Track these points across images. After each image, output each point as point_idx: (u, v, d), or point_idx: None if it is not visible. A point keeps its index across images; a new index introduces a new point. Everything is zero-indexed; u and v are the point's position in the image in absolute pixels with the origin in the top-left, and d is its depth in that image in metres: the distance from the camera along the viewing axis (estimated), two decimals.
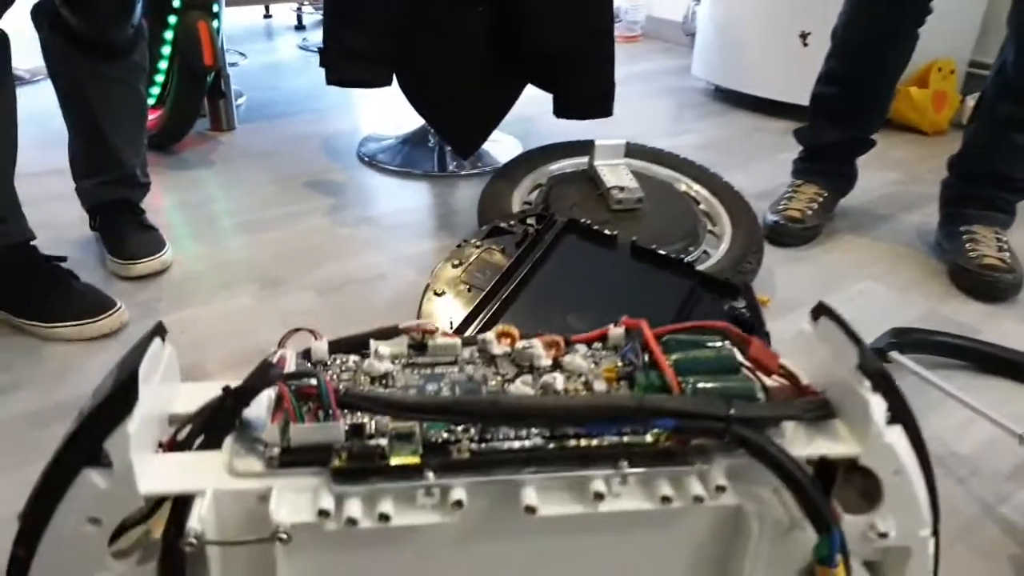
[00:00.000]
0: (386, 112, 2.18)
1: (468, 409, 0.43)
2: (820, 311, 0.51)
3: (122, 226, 1.31)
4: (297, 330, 0.50)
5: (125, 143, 1.29)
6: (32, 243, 1.15)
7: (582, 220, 1.16)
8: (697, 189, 1.45)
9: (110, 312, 1.12)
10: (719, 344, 0.51)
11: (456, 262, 1.14)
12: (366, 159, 1.83)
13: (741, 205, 1.39)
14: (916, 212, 1.60)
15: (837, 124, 1.48)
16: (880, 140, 1.54)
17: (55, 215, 1.43)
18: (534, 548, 0.47)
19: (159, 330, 0.46)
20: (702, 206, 1.41)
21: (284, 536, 0.41)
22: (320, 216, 1.53)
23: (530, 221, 1.21)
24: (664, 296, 1.08)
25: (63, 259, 1.19)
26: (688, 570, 0.50)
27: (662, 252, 1.12)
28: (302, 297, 1.23)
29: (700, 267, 1.16)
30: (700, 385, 0.47)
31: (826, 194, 1.50)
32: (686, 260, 1.16)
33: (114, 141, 1.27)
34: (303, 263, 1.34)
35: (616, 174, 1.38)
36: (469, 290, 1.10)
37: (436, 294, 1.07)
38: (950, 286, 1.32)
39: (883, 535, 0.48)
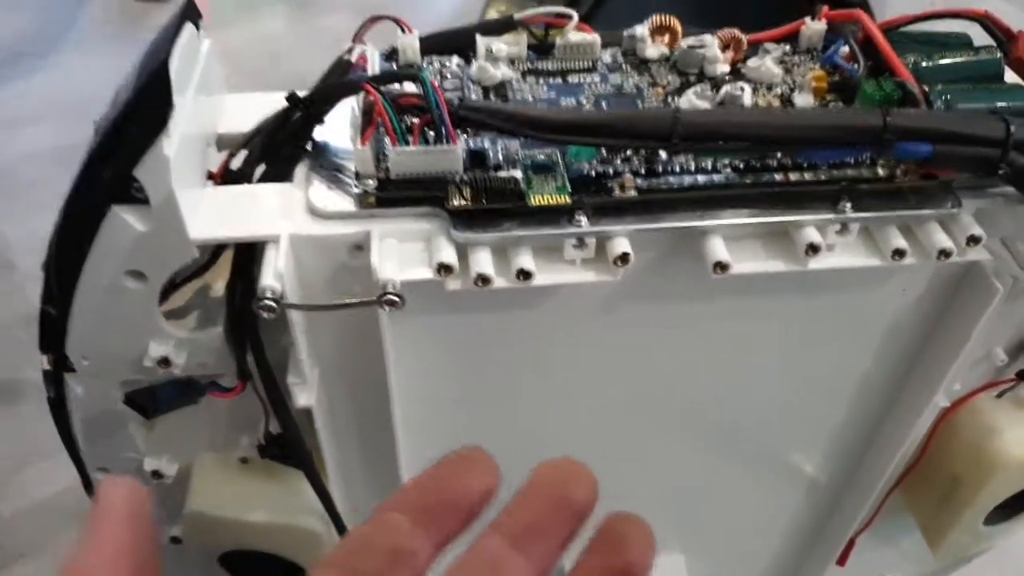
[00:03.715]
0: None
1: (646, 127, 0.30)
2: None
3: None
4: (378, 18, 0.36)
5: None
6: None
7: None
8: None
9: None
10: (967, 43, 0.36)
11: None
12: None
13: None
14: None
15: None
16: None
17: None
18: (712, 317, 0.36)
19: (190, 11, 0.32)
20: None
21: (396, 299, 0.30)
22: None
23: None
24: None
25: None
26: (890, 334, 0.39)
27: None
28: (339, 19, 1.06)
29: None
30: (954, 97, 0.33)
31: None
32: None
33: None
34: None
35: None
36: None
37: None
38: None
39: None
